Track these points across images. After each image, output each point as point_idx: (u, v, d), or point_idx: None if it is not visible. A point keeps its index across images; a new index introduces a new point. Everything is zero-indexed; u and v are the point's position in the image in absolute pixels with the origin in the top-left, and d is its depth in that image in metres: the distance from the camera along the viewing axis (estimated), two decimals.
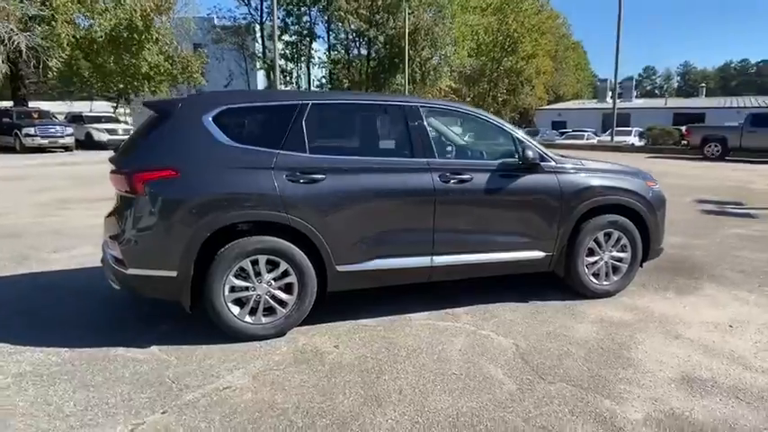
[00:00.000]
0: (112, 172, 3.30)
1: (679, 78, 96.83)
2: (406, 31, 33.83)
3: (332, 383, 2.82)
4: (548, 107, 54.82)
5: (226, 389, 2.76)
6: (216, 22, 41.19)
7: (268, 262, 3.29)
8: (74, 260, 5.19)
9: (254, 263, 3.26)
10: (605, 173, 4.09)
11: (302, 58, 43.28)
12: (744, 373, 2.93)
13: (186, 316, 3.48)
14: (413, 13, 36.01)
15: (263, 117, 3.49)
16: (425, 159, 3.59)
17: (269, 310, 3.35)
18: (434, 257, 3.63)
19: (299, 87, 44.10)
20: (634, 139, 26.71)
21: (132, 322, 3.67)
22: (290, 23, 40.32)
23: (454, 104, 4.11)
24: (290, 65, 43.74)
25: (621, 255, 4.10)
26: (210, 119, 3.30)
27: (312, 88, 47.20)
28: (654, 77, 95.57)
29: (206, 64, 32.12)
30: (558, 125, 48.88)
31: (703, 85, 50.73)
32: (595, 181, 3.97)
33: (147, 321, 3.65)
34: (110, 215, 3.46)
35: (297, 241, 3.31)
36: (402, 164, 3.57)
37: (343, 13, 37.33)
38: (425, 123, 3.68)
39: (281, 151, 3.33)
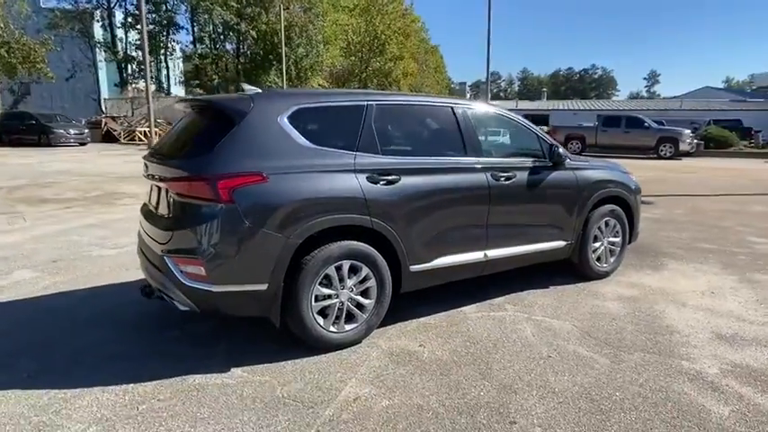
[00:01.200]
0: (180, 179, 2.95)
1: (519, 83, 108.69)
2: (282, 26, 33.11)
3: (453, 379, 2.90)
4: None
5: (356, 399, 2.69)
6: (52, 3, 36.19)
7: (350, 267, 3.22)
8: (29, 287, 4.41)
9: (338, 269, 3.17)
10: (604, 168, 4.68)
11: (161, 51, 39.94)
12: (750, 326, 3.65)
13: (234, 333, 3.28)
14: (288, 8, 35.34)
15: (334, 117, 3.38)
16: (477, 158, 3.79)
17: (349, 317, 3.29)
18: (487, 252, 3.85)
19: (159, 82, 40.59)
20: (504, 139, 29.66)
21: (177, 346, 3.32)
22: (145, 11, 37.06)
23: (497, 108, 4.36)
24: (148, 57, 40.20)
25: (616, 239, 4.73)
26: (286, 119, 3.13)
27: (173, 84, 43.85)
28: (498, 81, 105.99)
29: (51, 51, 28.19)
30: None
31: (544, 89, 57.70)
32: (600, 175, 4.53)
33: (193, 344, 3.35)
34: (163, 228, 3.09)
35: (375, 244, 3.29)
36: (461, 163, 3.72)
37: (209, 3, 35.22)
38: (473, 124, 3.88)
39: (358, 153, 3.28)
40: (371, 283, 3.30)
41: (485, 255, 3.84)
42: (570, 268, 4.65)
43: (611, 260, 4.74)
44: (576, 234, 4.38)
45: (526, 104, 54.18)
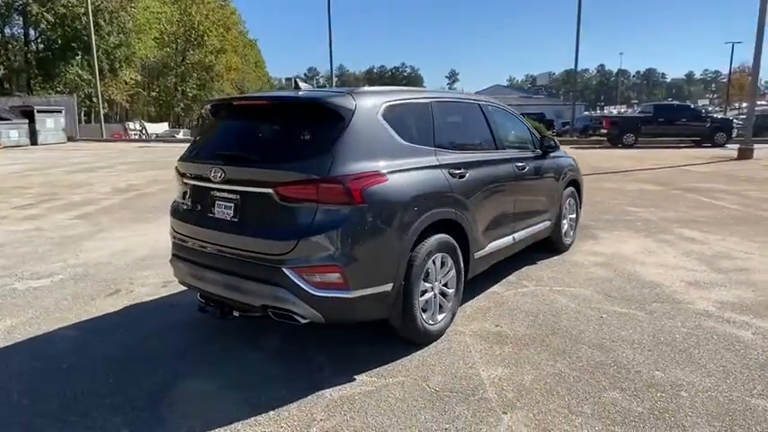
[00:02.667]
0: (304, 182, 2.71)
1: (337, 79, 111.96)
2: (89, 9, 28.82)
3: (555, 348, 3.25)
4: None
5: (502, 379, 2.87)
6: None
7: (441, 259, 3.32)
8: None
9: (434, 262, 3.26)
10: (566, 156, 5.44)
11: None
12: (699, 274, 4.71)
13: (310, 344, 3.21)
14: None
15: (411, 113, 3.40)
16: (505, 151, 4.17)
17: (438, 309, 3.39)
18: (515, 235, 4.27)
19: None
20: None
21: (273, 367, 3.10)
22: None
23: (501, 103, 4.72)
24: None
25: (573, 216, 5.57)
26: (381, 116, 3.09)
27: None
28: (317, 77, 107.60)
29: None
30: None
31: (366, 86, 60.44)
32: (567, 162, 5.29)
33: (285, 362, 3.17)
34: (277, 237, 2.80)
35: (454, 235, 3.44)
36: (498, 156, 4.05)
37: None
38: (495, 118, 4.23)
39: (437, 148, 3.38)
40: (453, 272, 3.45)
41: (513, 238, 4.25)
42: (540, 244, 5.33)
43: (572, 234, 5.57)
44: (555, 214, 5.06)
45: None
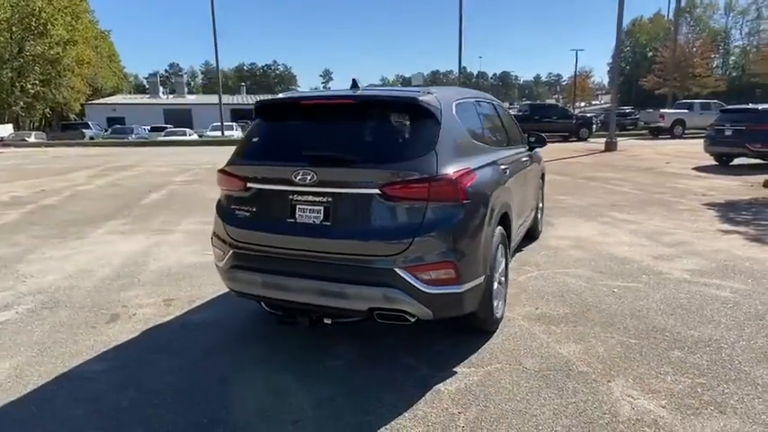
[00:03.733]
0: (416, 181, 2.71)
1: (203, 76, 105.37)
2: None
3: (604, 323, 3.63)
4: (100, 102, 49.83)
5: (583, 357, 3.15)
6: None
7: (501, 250, 3.52)
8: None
9: (497, 252, 3.44)
10: (538, 151, 5.95)
11: None
12: (656, 249, 5.51)
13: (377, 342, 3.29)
14: None
15: (469, 112, 3.56)
16: (516, 146, 4.50)
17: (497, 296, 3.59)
18: (523, 225, 4.62)
19: None
20: (237, 133, 29.47)
21: (360, 369, 3.07)
22: None
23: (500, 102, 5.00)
24: None
25: (542, 205, 6.12)
26: (456, 114, 3.20)
27: None
28: (180, 74, 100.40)
29: None
30: (114, 121, 45.60)
31: (243, 84, 58.14)
32: (540, 156, 5.78)
33: (369, 363, 3.17)
34: (387, 238, 2.76)
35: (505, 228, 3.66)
36: (515, 152, 4.37)
37: None
38: (504, 116, 4.53)
39: (487, 145, 3.58)
40: (504, 262, 3.67)
41: (523, 229, 4.60)
42: None
43: (541, 221, 6.13)
44: (537, 203, 5.54)
45: (230, 98, 53.67)
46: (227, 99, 50.24)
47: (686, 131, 24.70)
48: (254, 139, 3.29)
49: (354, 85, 3.32)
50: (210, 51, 28.88)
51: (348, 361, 3.15)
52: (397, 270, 2.72)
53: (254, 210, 3.08)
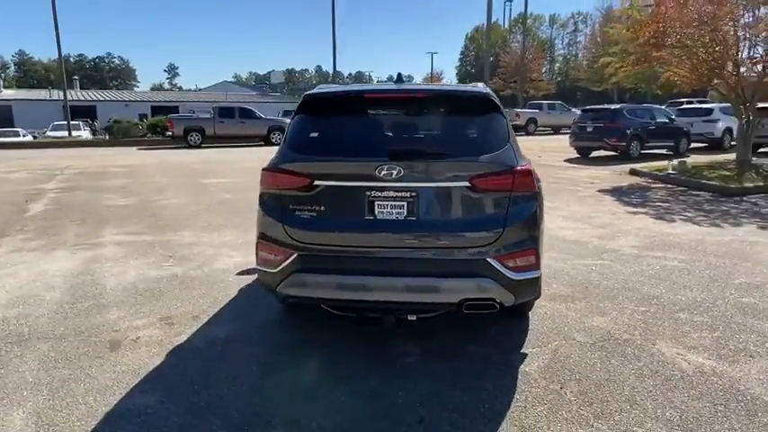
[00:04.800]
0: (504, 173, 2.83)
1: (16, 67, 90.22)
2: None
3: (630, 298, 4.10)
4: None
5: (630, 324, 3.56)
6: None
7: None
8: None
9: None
10: None
11: None
12: (595, 230, 6.27)
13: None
14: None
15: None
16: None
17: None
18: None
19: None
20: (85, 133, 25.87)
21: (433, 362, 3.12)
22: None
23: None
24: None
25: None
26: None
27: None
28: None
29: None
30: None
31: (75, 77, 51.06)
32: None
33: (436, 355, 3.22)
34: (480, 229, 2.85)
35: None
36: None
37: None
38: None
39: None
40: None
41: None
42: None
43: None
44: None
45: (61, 94, 46.77)
46: (58, 95, 43.84)
47: (538, 129, 28.04)
48: (312, 135, 3.10)
49: (399, 78, 3.29)
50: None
51: (420, 358, 3.14)
52: (489, 260, 2.82)
53: (323, 209, 2.92)
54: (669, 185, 9.95)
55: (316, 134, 3.12)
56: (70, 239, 6.13)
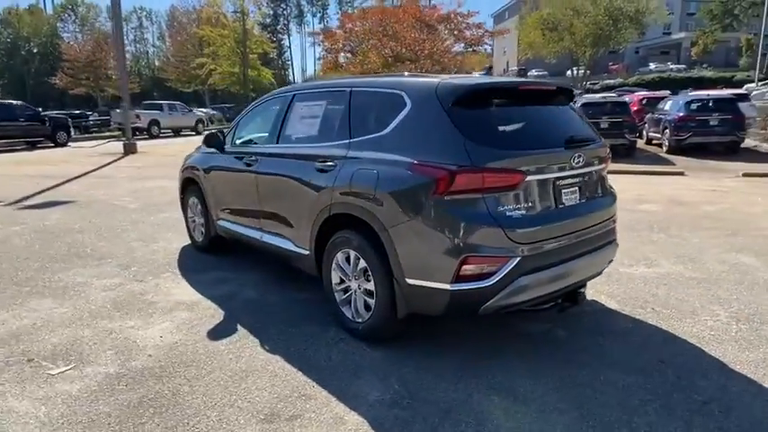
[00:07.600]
0: (608, 153, 3.51)
1: None
2: None
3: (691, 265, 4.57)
4: None
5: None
6: None
7: None
8: None
9: None
10: None
11: None
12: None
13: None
14: None
15: None
16: None
17: None
18: None
19: None
20: None
21: (488, 354, 2.94)
22: None
23: None
24: None
25: None
26: None
27: None
28: None
29: None
30: None
31: None
32: None
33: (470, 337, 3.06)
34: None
35: None
36: None
37: None
38: None
39: None
40: None
41: None
42: None
43: None
44: None
45: None
46: None
47: (161, 131, 25.66)
48: (499, 128, 3.01)
49: (524, 73, 3.02)
50: None
51: (476, 353, 3.17)
52: (611, 224, 3.42)
53: (528, 204, 2.88)
54: None
55: (502, 128, 3.02)
56: (38, 283, 2.85)
